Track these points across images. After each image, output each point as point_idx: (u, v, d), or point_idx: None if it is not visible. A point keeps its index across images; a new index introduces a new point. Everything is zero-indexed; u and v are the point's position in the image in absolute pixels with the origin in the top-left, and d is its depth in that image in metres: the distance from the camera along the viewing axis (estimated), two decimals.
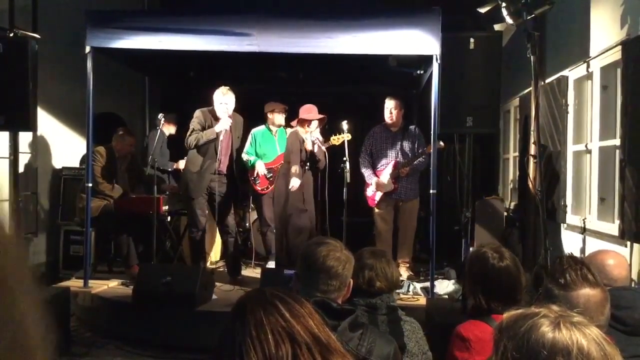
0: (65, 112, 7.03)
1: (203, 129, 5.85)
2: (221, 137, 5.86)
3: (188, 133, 5.91)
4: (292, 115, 6.79)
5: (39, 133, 6.41)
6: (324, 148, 6.27)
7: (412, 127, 6.61)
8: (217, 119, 5.84)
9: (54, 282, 6.04)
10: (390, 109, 6.40)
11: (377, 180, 6.35)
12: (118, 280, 5.96)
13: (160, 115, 6.13)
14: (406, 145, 6.43)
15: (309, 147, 6.22)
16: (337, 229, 6.32)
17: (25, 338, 0.64)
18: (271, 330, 1.19)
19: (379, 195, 6.37)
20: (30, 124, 5.42)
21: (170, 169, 7.48)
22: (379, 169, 6.43)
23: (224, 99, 5.82)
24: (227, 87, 5.87)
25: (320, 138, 6.32)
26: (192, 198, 5.96)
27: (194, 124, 5.90)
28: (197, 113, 5.94)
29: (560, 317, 1.17)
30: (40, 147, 6.67)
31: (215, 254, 7.11)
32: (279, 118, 6.74)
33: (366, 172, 6.45)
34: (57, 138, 7.01)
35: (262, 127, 6.87)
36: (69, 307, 4.88)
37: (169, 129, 7.53)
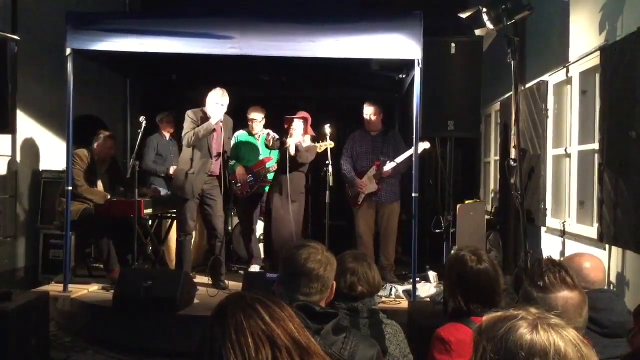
0: (46, 115, 6.95)
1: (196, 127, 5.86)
2: (215, 137, 5.90)
3: (184, 133, 5.92)
4: (274, 119, 6.81)
5: (18, 135, 6.33)
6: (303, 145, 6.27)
7: (392, 131, 6.65)
8: (208, 119, 5.84)
9: (33, 287, 5.96)
10: (369, 114, 6.45)
11: (360, 181, 6.37)
12: (98, 284, 5.91)
13: (142, 118, 6.09)
14: (387, 148, 6.45)
15: (291, 151, 6.22)
16: (320, 231, 6.34)
17: None
18: (251, 333, 1.19)
19: (361, 197, 6.39)
20: (9, 127, 5.35)
21: (162, 175, 7.45)
22: (360, 172, 6.45)
23: (221, 100, 5.84)
24: (224, 90, 5.90)
25: (303, 142, 6.32)
26: (185, 199, 5.92)
27: (187, 123, 5.90)
28: (189, 113, 5.94)
29: (538, 319, 1.19)
30: (19, 149, 6.59)
31: (197, 257, 7.07)
32: (257, 128, 6.78)
33: (348, 175, 6.46)
34: (37, 141, 6.93)
35: (244, 131, 6.87)
36: (48, 311, 4.82)
37: (168, 131, 7.55)
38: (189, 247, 6.11)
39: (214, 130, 5.86)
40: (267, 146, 6.69)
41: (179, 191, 5.99)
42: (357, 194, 6.41)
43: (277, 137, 6.57)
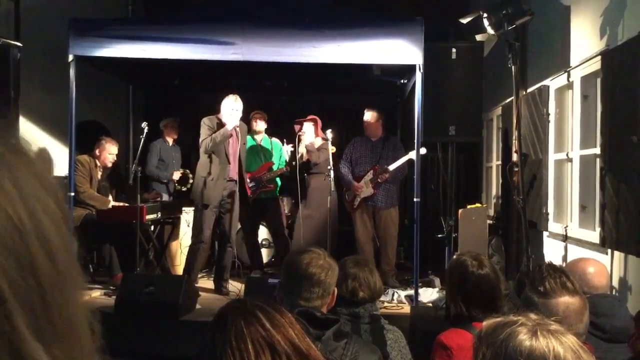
0: (48, 121, 6.96)
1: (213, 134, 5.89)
2: (231, 143, 5.94)
3: (201, 140, 5.91)
4: (276, 124, 6.83)
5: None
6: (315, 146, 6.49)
7: (392, 137, 6.65)
8: (224, 125, 5.86)
9: None
10: (368, 121, 6.46)
11: (356, 184, 6.37)
12: (100, 290, 5.90)
13: (144, 124, 6.10)
14: (386, 154, 6.45)
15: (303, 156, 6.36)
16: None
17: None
18: (251, 340, 1.20)
19: (357, 200, 6.40)
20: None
21: (165, 180, 7.46)
22: (358, 176, 6.45)
23: (235, 105, 5.85)
24: (236, 95, 5.92)
25: (314, 144, 6.49)
26: (206, 205, 5.88)
27: (204, 130, 5.90)
28: (205, 120, 5.94)
29: (537, 325, 1.19)
30: None
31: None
32: (260, 125, 6.81)
33: (345, 178, 6.47)
34: (39, 147, 6.94)
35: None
36: None
37: (171, 136, 7.57)
38: (200, 255, 6.10)
39: (230, 135, 5.89)
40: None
41: (198, 198, 5.92)
42: (353, 197, 6.42)
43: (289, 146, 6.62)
